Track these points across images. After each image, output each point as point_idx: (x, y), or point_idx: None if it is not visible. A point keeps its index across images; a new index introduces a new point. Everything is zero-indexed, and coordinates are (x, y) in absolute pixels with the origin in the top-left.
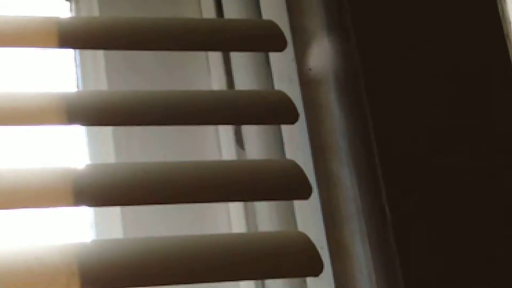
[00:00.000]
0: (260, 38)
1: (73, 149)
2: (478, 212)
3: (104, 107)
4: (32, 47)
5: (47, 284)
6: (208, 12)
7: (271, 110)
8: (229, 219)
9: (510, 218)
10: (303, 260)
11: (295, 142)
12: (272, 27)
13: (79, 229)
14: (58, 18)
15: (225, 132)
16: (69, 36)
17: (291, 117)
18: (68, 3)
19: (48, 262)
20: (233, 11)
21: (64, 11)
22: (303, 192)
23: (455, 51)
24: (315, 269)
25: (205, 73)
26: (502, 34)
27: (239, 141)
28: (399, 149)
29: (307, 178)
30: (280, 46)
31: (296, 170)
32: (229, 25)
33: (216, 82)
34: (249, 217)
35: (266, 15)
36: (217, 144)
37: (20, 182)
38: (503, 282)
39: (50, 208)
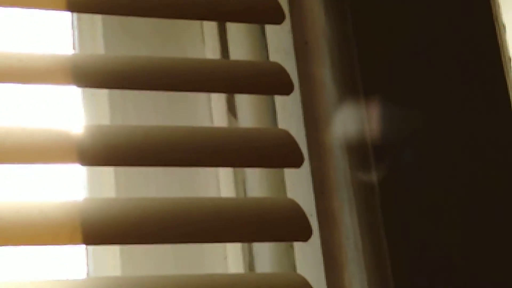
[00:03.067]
0: (258, 10)
1: (69, 109)
2: (467, 184)
3: (100, 70)
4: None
5: (51, 238)
6: None
7: (265, 81)
8: (218, 184)
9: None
10: (292, 225)
11: (288, 113)
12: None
13: (73, 188)
14: None
15: (218, 100)
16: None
17: (286, 89)
18: None
19: (52, 217)
20: None
21: None
22: (295, 161)
23: (450, 40)
24: (304, 235)
25: (199, 43)
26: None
27: (232, 109)
28: (390, 123)
29: (299, 147)
30: (278, 19)
31: (288, 139)
32: None
33: (210, 53)
34: (239, 183)
35: None
36: (209, 112)
37: (15, 140)
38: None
39: (44, 164)
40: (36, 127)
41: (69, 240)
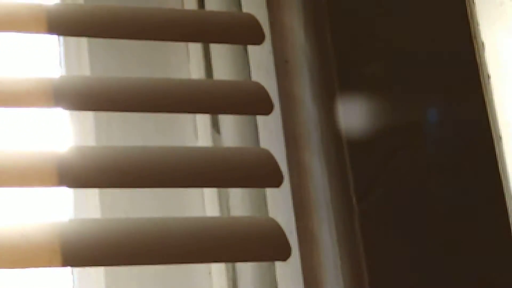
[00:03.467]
0: (238, 31)
1: (55, 131)
2: (443, 205)
3: (86, 92)
4: (19, 32)
5: (31, 261)
6: (190, 3)
7: (246, 101)
8: (203, 203)
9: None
10: (272, 244)
11: (269, 131)
12: (251, 20)
13: (58, 209)
14: (44, 5)
15: (202, 116)
16: (55, 23)
17: (266, 109)
18: None
19: (32, 240)
20: (214, 3)
21: None
22: (275, 181)
23: (430, 58)
24: (283, 254)
25: (184, 60)
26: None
27: (215, 125)
28: (368, 143)
29: (279, 167)
30: (258, 39)
31: (268, 159)
32: (209, 17)
33: (195, 70)
34: (223, 202)
35: (246, 8)
36: (193, 127)
37: (3, 162)
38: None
39: (32, 187)
40: (22, 149)
41: (49, 262)
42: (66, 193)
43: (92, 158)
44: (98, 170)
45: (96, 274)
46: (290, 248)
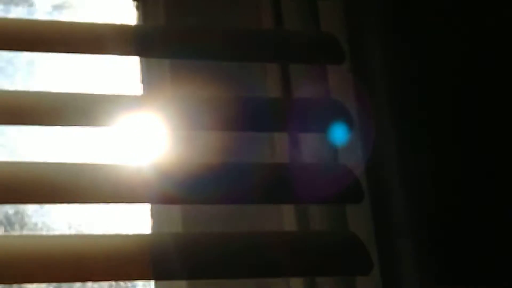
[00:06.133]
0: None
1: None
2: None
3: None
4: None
5: (123, 273)
6: (267, 22)
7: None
8: (281, 217)
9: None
10: (353, 259)
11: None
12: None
13: (138, 222)
14: (127, 25)
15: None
16: (135, 44)
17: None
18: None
19: (124, 252)
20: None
21: (130, 15)
22: (356, 197)
23: None
24: (365, 268)
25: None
26: None
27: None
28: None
29: (359, 183)
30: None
31: (349, 175)
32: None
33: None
34: (301, 216)
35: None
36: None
37: (87, 179)
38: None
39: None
40: (109, 163)
41: (139, 275)
42: (147, 207)
43: (172, 173)
44: (179, 186)
45: (178, 285)
46: (372, 262)
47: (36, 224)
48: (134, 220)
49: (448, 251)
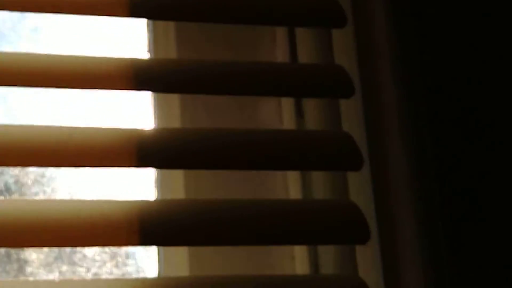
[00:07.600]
0: (321, 14)
1: (141, 112)
2: None
3: (172, 74)
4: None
5: (109, 239)
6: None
7: (328, 84)
8: (287, 186)
9: None
10: (351, 228)
11: (350, 115)
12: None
13: (143, 188)
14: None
15: (287, 101)
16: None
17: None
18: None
19: (111, 218)
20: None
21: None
22: (355, 164)
23: None
24: (363, 238)
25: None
26: None
27: (300, 110)
28: (452, 128)
29: (359, 150)
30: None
31: (349, 141)
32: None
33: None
34: (306, 184)
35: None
36: (279, 113)
37: (88, 141)
38: None
39: (116, 168)
40: (106, 129)
41: (126, 241)
42: (152, 174)
43: (177, 139)
44: (184, 151)
45: (181, 254)
46: (369, 231)
47: (36, 194)
48: (138, 190)
49: (447, 220)
